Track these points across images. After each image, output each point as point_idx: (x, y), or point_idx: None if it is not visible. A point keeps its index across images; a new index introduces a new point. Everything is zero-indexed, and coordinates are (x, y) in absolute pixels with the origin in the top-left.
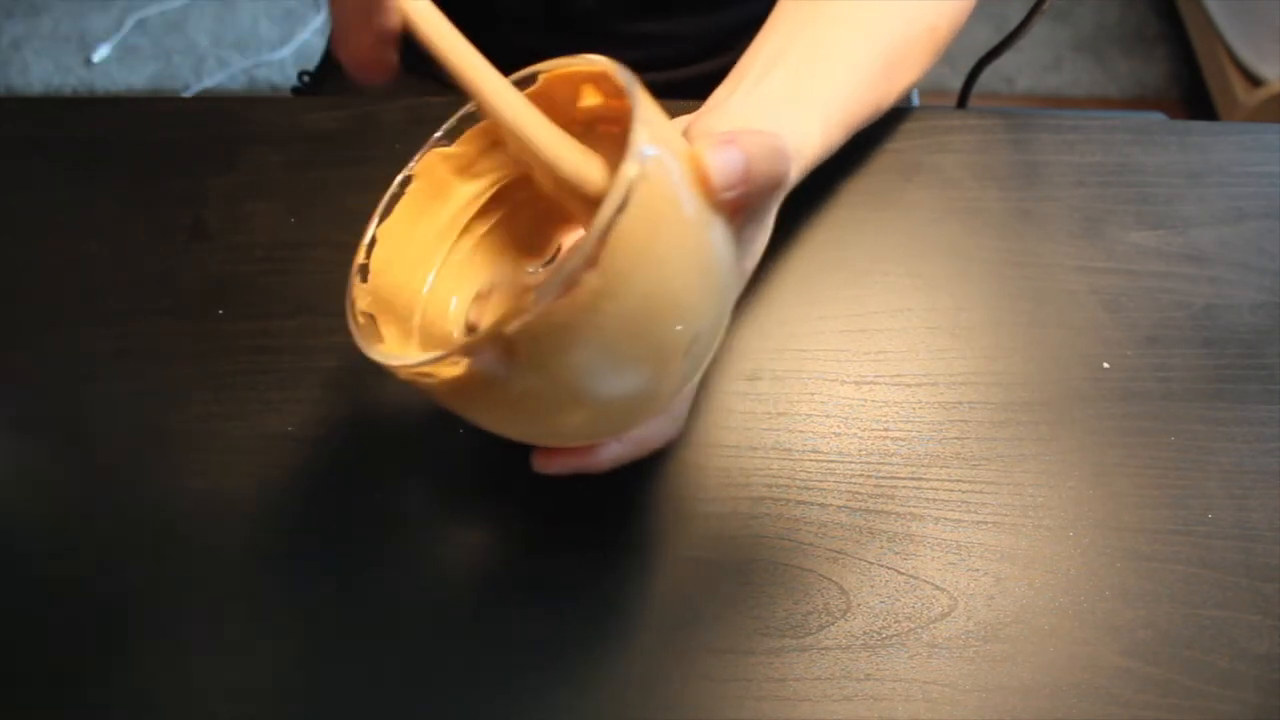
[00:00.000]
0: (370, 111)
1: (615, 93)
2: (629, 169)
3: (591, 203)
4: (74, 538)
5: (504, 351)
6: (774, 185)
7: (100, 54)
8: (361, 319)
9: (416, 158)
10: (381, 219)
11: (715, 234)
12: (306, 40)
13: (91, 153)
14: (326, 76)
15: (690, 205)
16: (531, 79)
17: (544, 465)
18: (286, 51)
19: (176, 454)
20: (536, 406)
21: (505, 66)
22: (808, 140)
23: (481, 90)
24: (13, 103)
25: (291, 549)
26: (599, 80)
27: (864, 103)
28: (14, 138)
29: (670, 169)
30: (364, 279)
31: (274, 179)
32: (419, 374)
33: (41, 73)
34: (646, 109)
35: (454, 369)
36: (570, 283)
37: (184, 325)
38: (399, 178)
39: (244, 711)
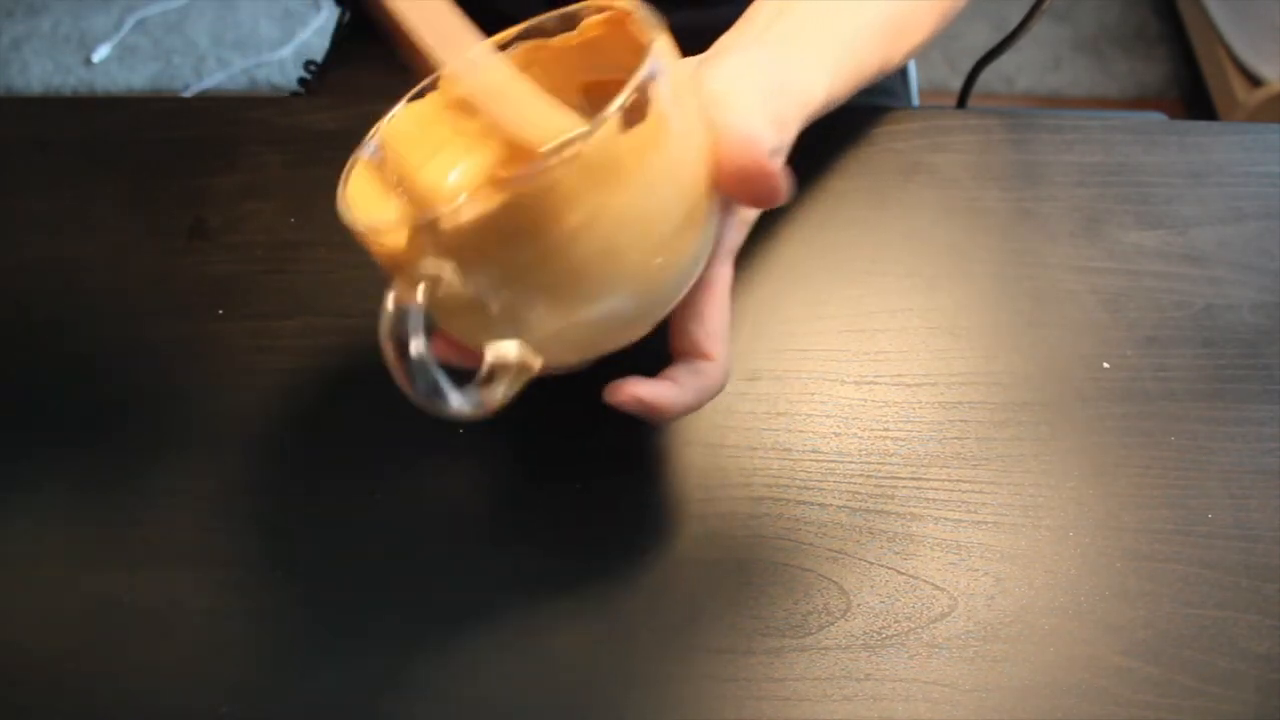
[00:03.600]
0: (370, 111)
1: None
2: (647, 71)
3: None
4: (73, 539)
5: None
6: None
7: (100, 54)
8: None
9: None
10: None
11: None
12: (306, 40)
13: (91, 153)
14: (330, 71)
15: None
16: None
17: (614, 395)
18: (286, 51)
19: (176, 454)
20: (541, 283)
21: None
22: (815, 88)
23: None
24: (13, 103)
25: (291, 549)
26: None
27: (871, 59)
28: (14, 138)
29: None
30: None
31: (274, 179)
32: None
33: (41, 73)
34: (666, 46)
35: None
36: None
37: (183, 325)
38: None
39: (246, 710)
